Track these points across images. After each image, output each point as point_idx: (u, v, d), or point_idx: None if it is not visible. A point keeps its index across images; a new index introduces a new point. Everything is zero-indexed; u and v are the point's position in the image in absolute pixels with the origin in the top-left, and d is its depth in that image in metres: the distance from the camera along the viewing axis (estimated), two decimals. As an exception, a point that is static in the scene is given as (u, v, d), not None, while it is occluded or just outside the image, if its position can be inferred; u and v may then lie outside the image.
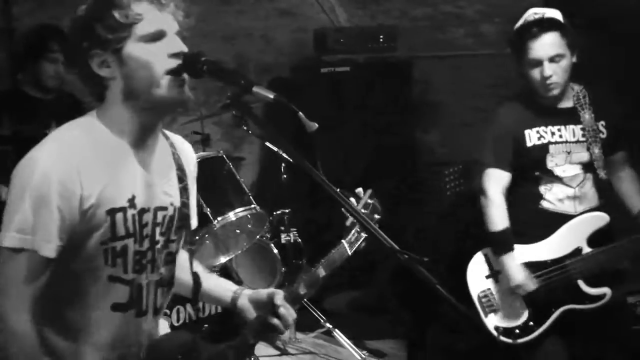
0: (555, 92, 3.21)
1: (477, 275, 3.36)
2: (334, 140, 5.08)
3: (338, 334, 4.14)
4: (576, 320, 3.23)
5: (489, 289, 3.34)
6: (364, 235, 2.20)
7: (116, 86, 1.89)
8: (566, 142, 3.26)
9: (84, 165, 1.82)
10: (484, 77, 5.80)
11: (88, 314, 1.92)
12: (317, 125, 1.86)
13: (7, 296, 1.81)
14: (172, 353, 2.00)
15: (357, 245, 2.23)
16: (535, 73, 3.19)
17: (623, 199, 3.35)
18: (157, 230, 1.98)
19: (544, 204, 3.28)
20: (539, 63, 3.17)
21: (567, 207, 3.27)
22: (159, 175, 1.99)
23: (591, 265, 3.20)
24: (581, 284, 3.21)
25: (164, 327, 2.18)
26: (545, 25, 3.18)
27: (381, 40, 5.31)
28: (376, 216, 2.23)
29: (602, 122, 3.29)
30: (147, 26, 1.85)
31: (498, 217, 3.29)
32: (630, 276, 3.40)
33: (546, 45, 3.16)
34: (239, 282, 4.20)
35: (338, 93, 5.21)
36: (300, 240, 4.15)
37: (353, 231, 2.23)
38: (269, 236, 4.12)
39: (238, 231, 3.98)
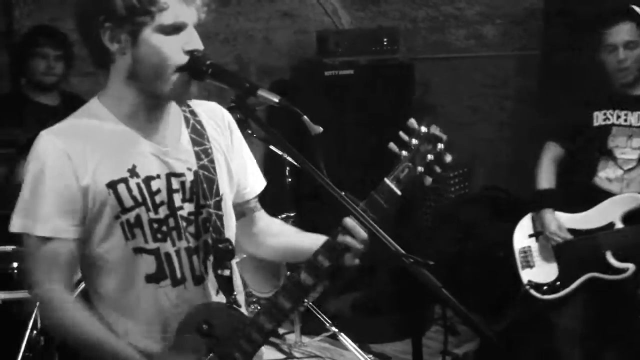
0: (630, 77, 3.45)
1: (523, 233, 3.72)
2: (335, 142, 5.08)
3: (343, 337, 4.14)
4: (596, 296, 3.51)
5: (529, 246, 3.67)
6: (419, 169, 1.87)
7: (123, 62, 1.88)
8: (630, 126, 3.50)
9: (73, 148, 1.86)
10: (484, 79, 5.80)
11: (128, 290, 1.93)
12: (321, 128, 1.85)
13: (39, 272, 1.90)
14: (200, 320, 1.95)
15: (407, 182, 1.87)
16: (611, 58, 3.44)
17: None
18: (177, 197, 1.96)
19: (596, 181, 3.55)
20: (614, 48, 3.42)
21: (614, 188, 3.52)
22: (165, 142, 1.97)
23: (619, 239, 3.44)
24: (608, 255, 3.42)
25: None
26: (623, 14, 3.46)
27: (384, 42, 5.31)
28: (440, 146, 1.88)
29: None
30: (170, 17, 1.84)
31: (543, 178, 3.66)
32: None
33: (622, 31, 3.42)
34: (244, 285, 4.20)
35: (339, 95, 5.21)
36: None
37: (401, 166, 1.88)
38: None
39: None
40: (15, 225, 1.89)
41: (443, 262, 4.65)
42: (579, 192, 3.62)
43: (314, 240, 2.02)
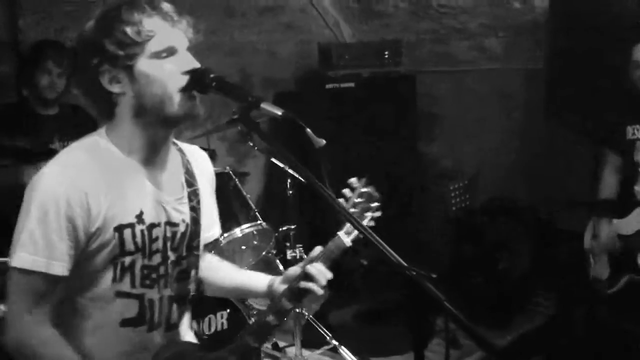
0: None
1: (589, 233, 4.08)
2: (338, 155, 5.08)
3: (344, 350, 4.12)
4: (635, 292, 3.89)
5: (591, 246, 4.06)
6: (364, 222, 2.07)
7: (126, 102, 1.90)
8: None
9: (90, 186, 1.83)
10: (487, 91, 5.80)
11: (98, 330, 1.93)
12: (324, 141, 1.86)
13: (27, 313, 1.83)
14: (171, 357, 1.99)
15: (355, 235, 2.07)
16: (636, 74, 3.69)
17: None
18: (169, 245, 1.98)
19: (634, 191, 3.82)
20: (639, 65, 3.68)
21: None
22: (169, 191, 2.00)
23: None
24: (639, 258, 3.81)
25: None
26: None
27: (386, 55, 5.32)
28: (374, 204, 2.10)
29: None
30: (159, 43, 1.86)
31: (603, 189, 4.01)
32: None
33: None
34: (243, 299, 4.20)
35: (343, 108, 5.21)
36: (306, 256, 4.13)
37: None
38: (274, 252, 4.10)
39: (244, 247, 3.97)
40: (26, 261, 1.81)
41: (446, 274, 4.67)
42: (620, 200, 3.96)
43: (251, 278, 2.24)
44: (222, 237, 3.71)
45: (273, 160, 3.92)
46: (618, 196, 4.01)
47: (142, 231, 1.91)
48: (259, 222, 3.85)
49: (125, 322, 1.94)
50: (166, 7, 1.91)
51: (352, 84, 5.22)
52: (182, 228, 2.02)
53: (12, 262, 1.82)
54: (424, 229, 5.49)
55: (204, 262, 2.26)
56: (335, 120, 5.18)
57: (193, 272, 2.07)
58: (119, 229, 1.88)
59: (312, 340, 4.28)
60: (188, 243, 2.04)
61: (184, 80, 1.87)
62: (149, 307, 1.97)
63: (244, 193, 3.91)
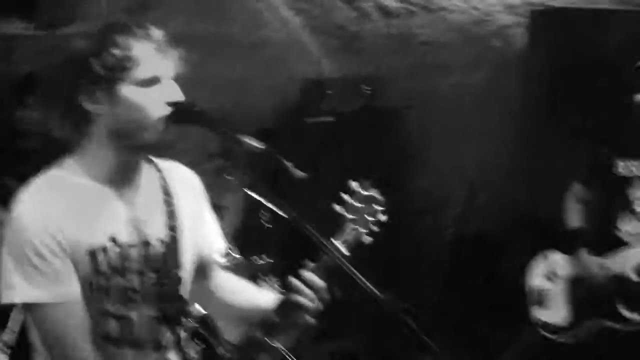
0: None
1: (537, 272, 3.79)
2: (317, 189, 5.09)
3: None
4: (605, 340, 3.56)
5: (544, 286, 3.75)
6: (362, 231, 2.00)
7: (102, 123, 1.89)
8: None
9: (58, 215, 1.84)
10: (469, 127, 5.85)
11: (81, 350, 1.91)
12: (305, 174, 1.87)
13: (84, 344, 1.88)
14: None
15: (353, 243, 1.99)
16: None
17: None
18: (146, 265, 1.97)
19: (617, 233, 3.60)
20: None
21: (634, 242, 3.54)
22: (144, 210, 1.98)
23: (631, 290, 3.48)
24: (619, 304, 3.49)
25: None
26: None
27: (367, 90, 5.36)
28: (378, 208, 2.02)
29: None
30: (146, 70, 1.86)
31: (576, 218, 3.72)
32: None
33: None
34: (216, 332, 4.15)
35: (323, 143, 5.23)
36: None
37: (348, 229, 2.00)
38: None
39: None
40: (34, 296, 1.84)
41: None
42: (597, 240, 3.67)
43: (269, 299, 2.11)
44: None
45: (251, 194, 3.92)
46: (595, 230, 3.74)
47: (115, 253, 1.91)
48: (235, 256, 3.83)
49: (108, 340, 1.94)
50: (158, 34, 1.91)
51: (332, 119, 5.24)
52: (159, 247, 2.00)
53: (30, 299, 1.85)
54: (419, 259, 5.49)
55: (222, 282, 2.25)
56: (314, 155, 5.20)
57: (174, 293, 2.04)
58: (92, 252, 1.88)
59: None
60: (168, 263, 2.01)
61: (165, 109, 1.87)
62: (129, 327, 1.96)
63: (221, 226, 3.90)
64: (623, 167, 3.57)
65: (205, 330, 3.48)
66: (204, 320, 3.76)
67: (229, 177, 3.79)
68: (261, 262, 4.12)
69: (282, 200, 1.79)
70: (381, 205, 2.02)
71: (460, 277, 5.11)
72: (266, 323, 1.99)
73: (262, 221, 4.18)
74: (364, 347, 4.82)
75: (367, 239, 2.01)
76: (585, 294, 3.60)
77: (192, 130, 1.93)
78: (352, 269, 1.76)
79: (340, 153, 5.30)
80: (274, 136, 5.43)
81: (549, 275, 3.76)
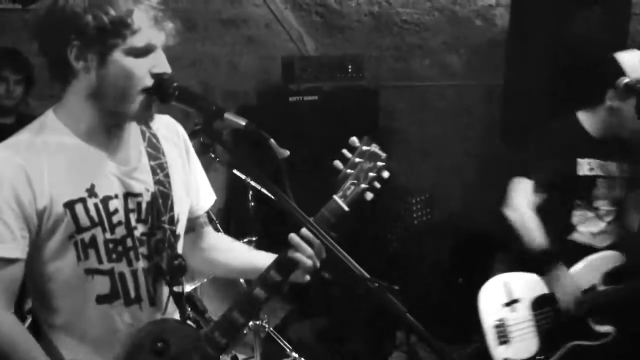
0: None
1: (493, 302, 3.26)
2: (299, 167, 5.08)
3: (304, 363, 4.11)
4: (583, 357, 3.25)
5: (504, 318, 3.23)
6: (362, 186, 1.99)
7: (86, 80, 1.85)
8: (608, 177, 3.32)
9: (30, 164, 1.81)
10: (446, 107, 5.87)
11: (79, 313, 1.91)
12: (288, 152, 1.85)
13: None
14: (154, 338, 1.95)
15: (353, 198, 1.99)
16: (611, 120, 3.21)
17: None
18: (132, 216, 1.94)
19: (576, 236, 3.34)
20: None
21: (597, 242, 3.35)
22: (123, 161, 1.95)
23: (600, 302, 3.24)
24: (590, 320, 3.25)
25: None
26: None
27: (349, 69, 5.35)
28: (379, 163, 2.00)
29: (628, 164, 3.39)
30: (142, 40, 1.82)
31: (539, 233, 3.23)
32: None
33: None
34: (203, 310, 4.15)
35: (304, 121, 5.22)
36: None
37: (347, 183, 2.00)
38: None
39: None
40: None
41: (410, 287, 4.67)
42: (558, 249, 3.28)
43: (266, 258, 2.08)
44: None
45: (235, 172, 3.91)
46: (553, 242, 3.26)
47: (95, 204, 1.88)
48: (219, 234, 3.83)
49: (100, 299, 1.91)
50: (159, 5, 1.87)
51: (315, 97, 5.23)
52: (146, 197, 1.97)
53: None
54: (383, 243, 5.50)
55: (213, 241, 2.26)
56: (297, 133, 5.19)
57: (169, 246, 2.00)
58: (69, 204, 1.85)
59: (272, 353, 4.26)
60: (157, 215, 1.98)
61: (150, 81, 1.84)
62: (120, 281, 1.93)
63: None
64: (587, 167, 3.30)
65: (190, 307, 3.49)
66: (188, 297, 3.77)
67: (211, 155, 3.78)
68: (245, 240, 4.12)
69: (265, 177, 1.76)
70: (382, 161, 2.01)
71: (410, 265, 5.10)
72: (267, 281, 1.97)
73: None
74: (347, 325, 4.83)
75: (369, 195, 2.01)
76: (555, 318, 3.23)
77: (173, 107, 1.90)
78: (339, 248, 1.75)
79: (323, 131, 5.29)
80: (256, 115, 5.43)
81: (510, 303, 3.25)
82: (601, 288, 3.27)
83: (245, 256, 2.26)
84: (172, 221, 2.01)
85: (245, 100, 5.65)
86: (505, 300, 3.26)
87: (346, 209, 1.97)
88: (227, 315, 1.98)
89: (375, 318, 4.48)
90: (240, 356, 4.35)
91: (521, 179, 3.30)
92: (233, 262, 2.26)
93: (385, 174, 2.01)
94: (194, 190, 2.17)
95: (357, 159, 1.99)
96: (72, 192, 1.86)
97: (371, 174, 1.99)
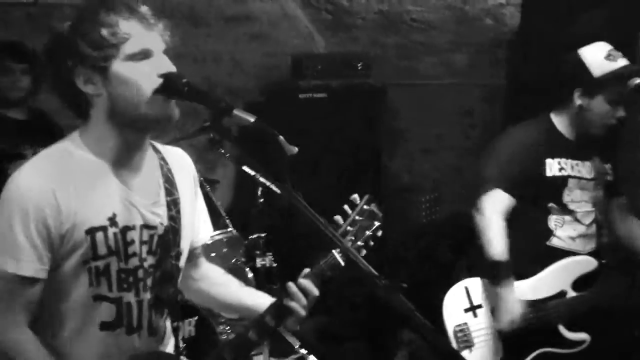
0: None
1: (455, 307, 3.19)
2: (307, 164, 5.09)
3: (312, 360, 4.12)
4: None
5: (466, 323, 3.17)
6: (359, 244, 2.03)
7: (101, 103, 1.87)
8: (582, 178, 3.21)
9: (59, 188, 1.82)
10: (451, 106, 5.86)
11: (78, 334, 1.92)
12: (296, 148, 1.85)
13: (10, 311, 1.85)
14: None
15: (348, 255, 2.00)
16: (611, 113, 3.10)
17: (628, 241, 3.32)
18: (144, 248, 1.96)
19: (554, 241, 3.21)
20: (617, 104, 3.08)
21: (578, 246, 3.21)
22: (144, 193, 1.97)
23: (571, 309, 3.14)
24: (561, 328, 3.15)
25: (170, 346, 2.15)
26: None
27: (358, 67, 5.34)
28: (376, 223, 2.05)
29: (609, 165, 3.29)
30: (135, 45, 1.84)
31: (498, 242, 3.10)
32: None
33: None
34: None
35: (313, 118, 5.22)
36: (275, 265, 4.11)
37: (346, 240, 2.03)
38: (244, 260, 4.09)
39: (213, 254, 3.95)
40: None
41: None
42: (536, 255, 3.20)
43: (254, 297, 2.19)
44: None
45: (243, 168, 3.91)
46: (524, 248, 3.15)
47: (115, 234, 1.90)
48: (229, 229, 3.84)
49: (104, 326, 1.93)
50: (143, 9, 1.89)
51: (324, 95, 5.22)
52: (160, 231, 1.99)
53: None
54: (387, 240, 5.50)
55: (205, 272, 2.28)
56: (305, 130, 5.19)
57: (173, 279, 2.04)
58: (91, 231, 1.86)
59: (279, 350, 4.27)
60: (166, 249, 2.01)
61: (159, 82, 1.85)
62: (126, 311, 1.95)
63: (215, 200, 3.90)
64: (556, 167, 3.18)
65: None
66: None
67: (221, 151, 3.78)
68: (254, 236, 4.12)
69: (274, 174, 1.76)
70: (379, 221, 2.06)
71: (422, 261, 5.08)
72: (262, 326, 2.02)
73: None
74: (349, 325, 4.83)
75: (363, 252, 2.06)
76: (522, 326, 3.10)
77: (183, 104, 1.90)
78: (348, 246, 1.75)
79: (331, 128, 5.30)
80: (263, 111, 5.42)
81: (472, 309, 3.18)
82: (571, 294, 3.16)
83: (234, 293, 2.28)
84: (178, 256, 2.05)
85: (249, 98, 5.65)
86: (467, 305, 3.20)
87: (342, 264, 2.01)
88: (219, 352, 2.05)
89: (379, 317, 4.48)
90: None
91: (492, 186, 3.17)
92: (221, 297, 2.29)
93: (380, 233, 2.07)
94: (197, 223, 2.21)
95: (357, 217, 2.04)
96: (95, 219, 1.87)
97: (368, 233, 2.05)
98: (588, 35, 4.18)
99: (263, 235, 4.15)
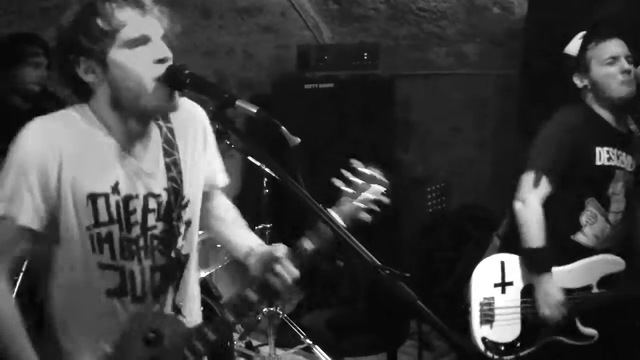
0: (633, 89, 3.11)
1: (486, 279, 3.20)
2: (313, 155, 5.09)
3: (318, 350, 4.13)
4: (560, 353, 3.19)
5: (493, 297, 3.18)
6: (361, 206, 2.03)
7: (103, 92, 1.91)
8: (625, 170, 3.19)
9: (65, 147, 1.87)
10: (462, 97, 5.84)
11: (87, 302, 1.95)
12: (299, 139, 1.86)
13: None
14: (147, 328, 1.99)
15: (350, 217, 2.03)
16: (612, 70, 3.10)
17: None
18: (151, 216, 1.98)
19: (580, 237, 3.20)
20: (615, 60, 3.10)
21: (602, 245, 3.21)
22: (147, 162, 1.99)
23: (591, 304, 3.16)
24: (577, 320, 3.17)
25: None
26: (614, 29, 3.19)
27: (365, 58, 5.34)
28: (380, 188, 2.05)
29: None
30: (131, 31, 1.85)
31: (537, 230, 3.10)
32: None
33: (621, 44, 3.13)
34: (218, 297, 4.18)
35: (320, 109, 5.22)
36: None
37: (346, 202, 2.04)
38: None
39: (219, 245, 3.96)
40: None
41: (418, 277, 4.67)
42: (559, 246, 3.17)
43: (243, 239, 2.26)
44: (198, 235, 3.71)
45: (249, 158, 3.92)
46: (554, 239, 3.14)
47: (117, 202, 1.92)
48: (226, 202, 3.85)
49: (110, 292, 1.96)
50: None
51: (331, 85, 5.22)
52: (165, 196, 2.00)
53: None
54: (398, 232, 5.50)
55: (215, 206, 2.31)
56: (312, 121, 5.19)
57: (175, 243, 2.05)
58: (92, 196, 1.89)
59: (286, 340, 4.29)
60: (168, 213, 2.02)
61: (157, 69, 1.86)
62: (129, 279, 1.97)
63: (220, 191, 3.91)
64: (605, 156, 3.14)
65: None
66: (203, 283, 3.79)
67: (226, 142, 3.79)
68: (260, 227, 4.13)
69: (278, 164, 1.76)
70: (383, 186, 2.06)
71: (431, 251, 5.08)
72: (259, 283, 2.04)
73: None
74: (359, 315, 4.84)
75: (366, 217, 2.05)
76: (565, 313, 3.11)
77: (189, 94, 1.91)
78: (351, 236, 1.75)
79: (338, 119, 5.30)
80: (271, 103, 5.44)
81: (502, 285, 3.19)
82: (595, 290, 3.18)
83: (229, 230, 2.34)
84: (180, 218, 2.05)
85: (260, 89, 5.66)
86: (498, 280, 3.20)
87: (343, 225, 1.98)
88: (219, 314, 2.08)
89: (388, 307, 4.49)
90: (255, 342, 4.39)
91: (532, 171, 3.14)
92: (221, 233, 2.35)
93: (386, 200, 2.06)
94: (212, 173, 2.22)
95: (357, 180, 2.05)
96: (97, 185, 1.90)
97: (371, 197, 2.05)
98: (604, 22, 4.18)
99: (269, 225, 4.16)
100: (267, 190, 4.07)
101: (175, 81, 1.86)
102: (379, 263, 1.70)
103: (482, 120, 5.80)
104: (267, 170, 3.89)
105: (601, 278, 3.19)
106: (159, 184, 2.00)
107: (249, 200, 4.90)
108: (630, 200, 3.23)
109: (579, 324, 3.17)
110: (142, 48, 1.86)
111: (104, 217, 1.91)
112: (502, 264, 3.22)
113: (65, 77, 1.93)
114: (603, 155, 3.14)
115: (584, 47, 3.19)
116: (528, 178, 3.13)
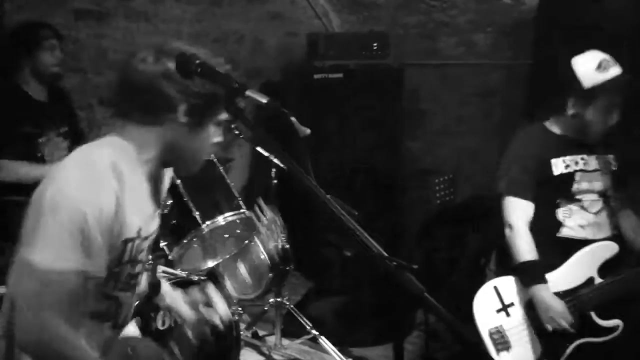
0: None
1: (486, 309, 3.22)
2: (322, 145, 5.08)
3: (324, 340, 4.13)
4: (592, 354, 3.17)
5: (501, 324, 3.19)
6: (273, 243, 2.17)
7: (174, 130, 1.92)
8: (588, 170, 3.29)
9: (122, 193, 1.81)
10: (472, 87, 5.82)
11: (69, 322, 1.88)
12: (309, 130, 1.85)
13: (62, 317, 1.78)
14: (125, 345, 2.07)
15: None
16: (602, 119, 3.20)
17: (629, 237, 3.34)
18: (145, 253, 2.05)
19: (565, 232, 3.27)
20: (612, 109, 3.19)
21: (589, 234, 3.26)
22: (157, 205, 2.04)
23: (603, 296, 3.16)
24: (593, 315, 3.17)
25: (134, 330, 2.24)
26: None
27: (374, 47, 5.31)
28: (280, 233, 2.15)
29: (612, 156, 3.35)
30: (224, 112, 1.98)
31: (527, 247, 3.20)
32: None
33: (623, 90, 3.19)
34: (224, 286, 4.18)
35: (329, 98, 5.20)
36: (288, 246, 4.11)
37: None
38: (257, 241, 4.10)
39: (226, 236, 3.97)
40: (71, 261, 1.75)
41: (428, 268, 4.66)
42: (548, 247, 3.23)
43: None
44: (206, 225, 3.72)
45: (257, 148, 3.91)
46: (539, 247, 3.22)
47: (137, 244, 1.94)
48: (242, 210, 3.84)
49: (94, 315, 1.94)
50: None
51: (340, 75, 5.21)
52: (155, 233, 2.08)
53: (50, 264, 1.74)
54: (405, 223, 5.50)
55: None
56: (321, 110, 5.18)
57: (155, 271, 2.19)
58: (126, 242, 1.89)
59: (292, 330, 4.29)
60: (154, 246, 2.12)
61: (212, 150, 2.00)
62: (116, 307, 2.00)
63: (228, 181, 3.91)
64: (562, 165, 3.28)
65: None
66: (211, 273, 3.80)
67: (235, 132, 3.79)
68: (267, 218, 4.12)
69: (286, 154, 1.76)
70: (283, 233, 2.17)
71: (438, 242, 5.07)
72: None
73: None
74: (366, 305, 4.84)
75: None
76: (569, 320, 3.12)
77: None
78: (359, 227, 1.74)
79: (347, 108, 5.28)
80: (280, 91, 5.42)
81: (504, 308, 3.21)
82: (598, 281, 3.19)
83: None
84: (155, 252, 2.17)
85: (270, 77, 5.64)
86: (499, 306, 3.23)
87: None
88: (180, 329, 2.25)
89: (394, 297, 4.48)
90: (261, 332, 4.39)
91: (511, 197, 3.29)
92: None
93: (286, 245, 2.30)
94: None
95: (265, 220, 2.17)
96: (131, 229, 1.89)
97: (272, 243, 2.16)
98: (612, 14, 4.14)
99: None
100: (275, 181, 4.06)
101: (185, 70, 1.86)
102: (386, 254, 1.69)
103: (491, 110, 5.78)
104: (275, 160, 3.88)
105: (600, 267, 3.22)
106: (156, 222, 2.06)
107: (257, 190, 4.91)
108: (606, 186, 3.32)
109: (596, 319, 3.17)
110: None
111: (126, 258, 1.91)
112: (496, 288, 3.26)
113: (156, 96, 1.89)
114: (560, 165, 3.28)
115: (592, 87, 3.17)
116: (508, 203, 3.29)
